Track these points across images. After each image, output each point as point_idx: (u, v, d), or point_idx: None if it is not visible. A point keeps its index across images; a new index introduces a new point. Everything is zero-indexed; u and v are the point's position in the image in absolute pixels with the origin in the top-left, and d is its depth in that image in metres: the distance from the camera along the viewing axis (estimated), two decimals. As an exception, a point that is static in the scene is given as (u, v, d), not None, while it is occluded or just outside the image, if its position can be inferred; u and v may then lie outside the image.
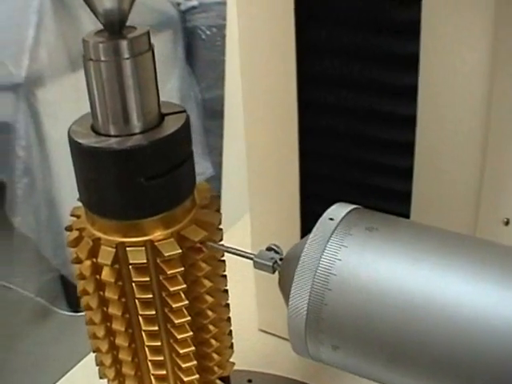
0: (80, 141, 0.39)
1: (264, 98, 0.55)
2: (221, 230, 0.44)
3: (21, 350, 1.80)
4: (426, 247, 0.34)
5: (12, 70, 1.64)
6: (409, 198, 0.49)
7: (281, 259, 0.39)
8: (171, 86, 2.02)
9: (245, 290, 0.69)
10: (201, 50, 2.15)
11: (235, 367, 0.63)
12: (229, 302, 0.47)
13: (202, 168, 2.05)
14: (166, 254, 0.39)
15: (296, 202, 0.56)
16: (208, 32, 2.10)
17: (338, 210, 0.36)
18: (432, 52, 0.45)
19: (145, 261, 0.39)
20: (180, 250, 0.40)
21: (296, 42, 0.50)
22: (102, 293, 0.41)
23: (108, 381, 0.46)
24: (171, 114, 0.41)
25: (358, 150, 0.51)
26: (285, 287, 0.36)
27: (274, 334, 0.68)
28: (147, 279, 0.40)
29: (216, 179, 2.08)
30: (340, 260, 0.34)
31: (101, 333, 0.43)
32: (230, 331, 0.47)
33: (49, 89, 1.66)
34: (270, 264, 0.39)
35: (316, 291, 0.34)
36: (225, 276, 0.46)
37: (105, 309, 0.42)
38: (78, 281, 0.43)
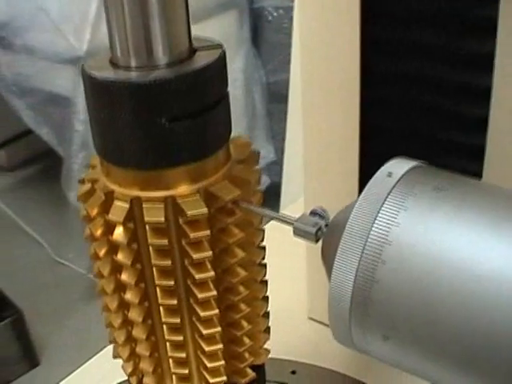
0: (94, 74, 0.32)
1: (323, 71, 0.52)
2: (259, 191, 0.37)
3: (67, 326, 1.77)
4: (509, 215, 0.26)
5: (73, 44, 1.61)
6: (481, 154, 0.42)
7: (326, 225, 0.32)
8: (235, 67, 1.96)
9: (295, 276, 0.65)
10: (267, 32, 2.08)
11: (279, 356, 0.58)
12: (266, 278, 0.40)
13: (264, 152, 1.99)
14: (190, 213, 0.33)
15: (355, 177, 0.49)
16: (275, 13, 2.03)
17: (398, 165, 0.29)
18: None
19: (163, 219, 0.33)
20: (206, 210, 0.33)
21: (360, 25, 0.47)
22: (115, 257, 0.35)
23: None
24: (204, 48, 0.34)
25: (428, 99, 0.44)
26: (328, 260, 0.29)
27: (324, 324, 0.62)
28: (165, 242, 0.33)
29: (277, 164, 2.04)
30: (398, 225, 0.26)
31: (113, 305, 0.37)
32: (267, 313, 0.40)
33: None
34: (313, 231, 0.32)
35: (365, 264, 0.27)
36: (262, 248, 0.39)
37: (118, 276, 0.36)
38: (89, 243, 0.37)
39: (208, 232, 0.33)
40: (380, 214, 0.27)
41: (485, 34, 0.42)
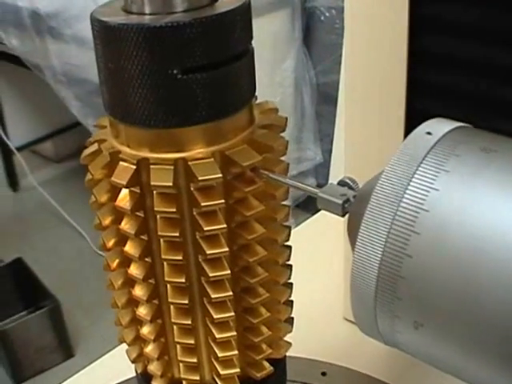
0: (103, 18, 0.29)
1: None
2: (285, 162, 0.33)
3: (105, 318, 1.75)
4: None
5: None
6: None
7: (355, 197, 0.27)
8: (286, 66, 1.92)
9: (332, 275, 0.63)
10: (319, 32, 2.03)
11: (311, 356, 0.54)
12: (290, 262, 0.36)
13: (311, 154, 1.95)
14: (201, 178, 0.29)
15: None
16: (327, 14, 1.98)
17: (439, 124, 0.24)
18: None
19: (170, 183, 0.29)
20: (221, 175, 0.29)
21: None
22: (119, 227, 0.32)
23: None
24: (229, -6, 0.30)
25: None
26: (353, 234, 0.25)
27: (360, 325, 0.58)
28: (173, 210, 0.29)
29: (324, 167, 1.99)
30: (437, 190, 0.22)
31: (118, 281, 0.33)
32: (289, 301, 0.36)
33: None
34: (340, 201, 0.27)
35: (396, 235, 0.22)
36: (287, 227, 0.35)
37: (123, 249, 0.32)
38: (94, 211, 0.33)
39: (222, 201, 0.29)
40: (415, 177, 0.22)
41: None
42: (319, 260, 0.68)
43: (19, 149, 2.31)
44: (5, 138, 2.28)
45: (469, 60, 0.48)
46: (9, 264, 1.80)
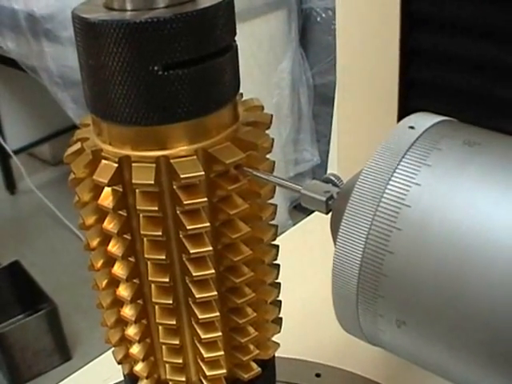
0: (83, 15, 0.29)
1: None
2: (270, 160, 0.33)
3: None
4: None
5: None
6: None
7: (338, 193, 0.27)
8: (282, 67, 1.91)
9: (327, 274, 0.60)
10: (315, 33, 2.02)
11: (304, 357, 0.53)
12: (278, 262, 0.35)
13: (309, 155, 1.94)
14: (183, 176, 0.28)
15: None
16: (323, 15, 1.97)
17: (422, 118, 0.24)
18: None
19: (152, 181, 0.28)
20: (203, 173, 0.28)
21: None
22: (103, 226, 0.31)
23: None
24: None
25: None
26: (335, 229, 0.24)
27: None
28: (155, 208, 0.29)
29: (322, 168, 1.99)
30: (419, 185, 0.22)
31: (102, 282, 0.33)
32: (277, 301, 0.36)
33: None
34: (324, 199, 0.27)
35: (377, 232, 0.22)
36: (273, 226, 0.34)
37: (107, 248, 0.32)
38: (78, 210, 0.33)
39: (205, 199, 0.29)
40: (397, 172, 0.22)
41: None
42: (315, 260, 0.67)
43: (16, 152, 2.30)
44: (2, 142, 2.27)
45: (461, 57, 0.48)
46: (6, 267, 1.80)
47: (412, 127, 0.23)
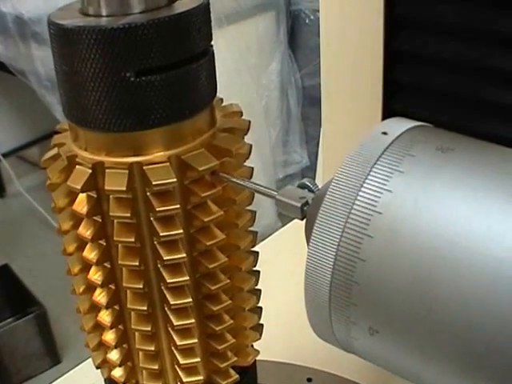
0: (59, 22, 0.28)
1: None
2: (248, 167, 0.32)
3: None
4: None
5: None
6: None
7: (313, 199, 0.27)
8: (271, 69, 1.91)
9: None
10: (304, 35, 2.02)
11: (296, 362, 0.53)
12: (257, 268, 0.35)
13: (298, 157, 1.94)
14: (155, 183, 0.28)
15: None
16: (312, 16, 1.97)
17: (395, 124, 0.24)
18: None
19: (124, 188, 0.28)
20: (175, 179, 0.28)
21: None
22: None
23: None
24: (187, -3, 0.30)
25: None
26: (309, 236, 0.24)
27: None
28: (128, 215, 0.29)
29: (311, 170, 1.98)
30: (390, 192, 0.21)
31: (79, 287, 0.33)
32: (256, 308, 0.35)
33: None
34: (299, 205, 0.27)
35: (349, 239, 0.22)
36: (251, 233, 0.34)
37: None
38: (56, 215, 0.32)
39: (177, 206, 0.29)
40: (368, 179, 0.22)
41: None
42: (300, 265, 0.67)
43: (5, 155, 2.29)
44: (-10, 145, 2.27)
45: (445, 59, 0.48)
46: (-5, 270, 1.79)
47: (385, 133, 0.23)
